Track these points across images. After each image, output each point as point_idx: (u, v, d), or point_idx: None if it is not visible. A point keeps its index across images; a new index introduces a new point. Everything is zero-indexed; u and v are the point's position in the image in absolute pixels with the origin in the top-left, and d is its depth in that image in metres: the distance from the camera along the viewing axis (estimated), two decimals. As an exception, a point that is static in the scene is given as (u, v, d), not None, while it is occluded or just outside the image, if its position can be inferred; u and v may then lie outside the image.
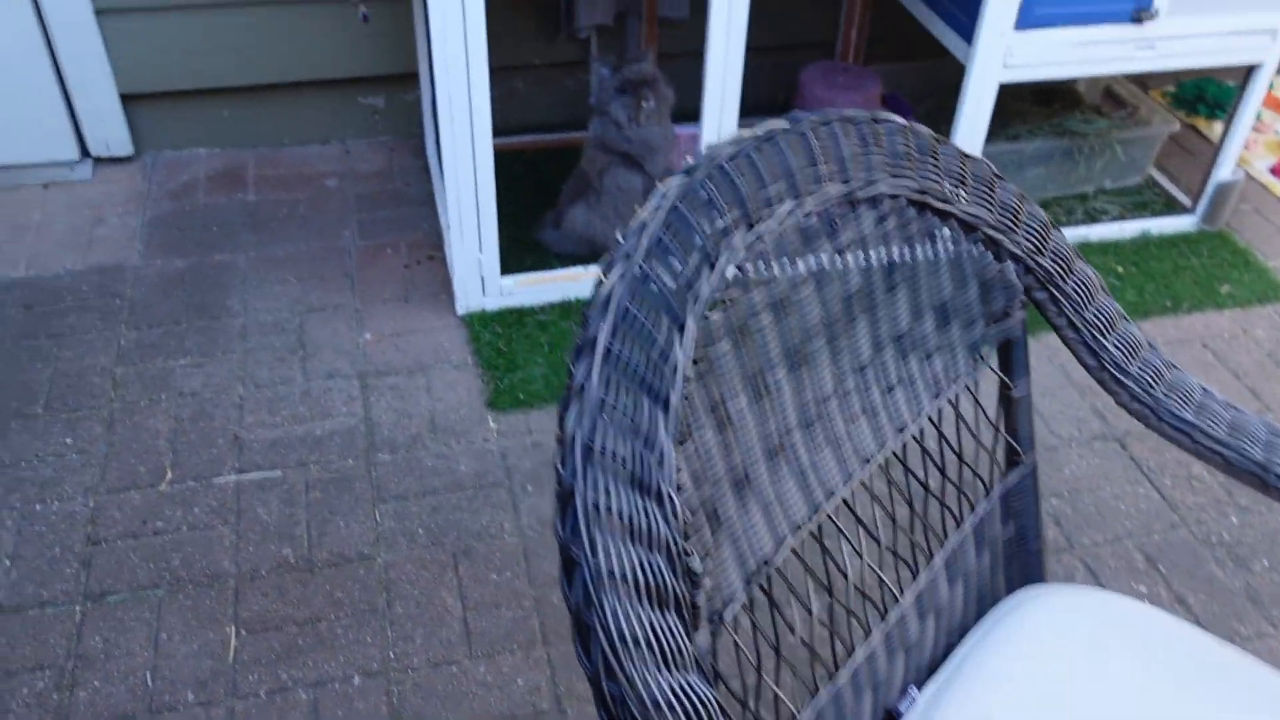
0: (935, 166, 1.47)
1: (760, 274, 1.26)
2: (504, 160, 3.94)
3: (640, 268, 1.08)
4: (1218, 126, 4.47)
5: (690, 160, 1.21)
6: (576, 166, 3.65)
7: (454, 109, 3.00)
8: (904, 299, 1.50)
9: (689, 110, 3.84)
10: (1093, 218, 3.99)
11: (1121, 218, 3.99)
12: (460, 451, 3.01)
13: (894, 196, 1.44)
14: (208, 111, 4.07)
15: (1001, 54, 3.31)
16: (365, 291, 3.56)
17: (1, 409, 3.04)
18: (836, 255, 1.40)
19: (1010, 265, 1.60)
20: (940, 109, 4.23)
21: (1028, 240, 1.61)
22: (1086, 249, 3.85)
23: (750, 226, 1.21)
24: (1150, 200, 4.12)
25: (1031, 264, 1.62)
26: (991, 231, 1.60)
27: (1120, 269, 3.81)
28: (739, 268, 1.21)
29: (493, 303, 3.47)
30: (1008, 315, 1.64)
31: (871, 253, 1.49)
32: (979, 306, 1.61)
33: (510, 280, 3.45)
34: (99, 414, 3.04)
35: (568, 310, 3.48)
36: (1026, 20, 3.26)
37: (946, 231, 1.56)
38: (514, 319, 3.44)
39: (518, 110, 4.29)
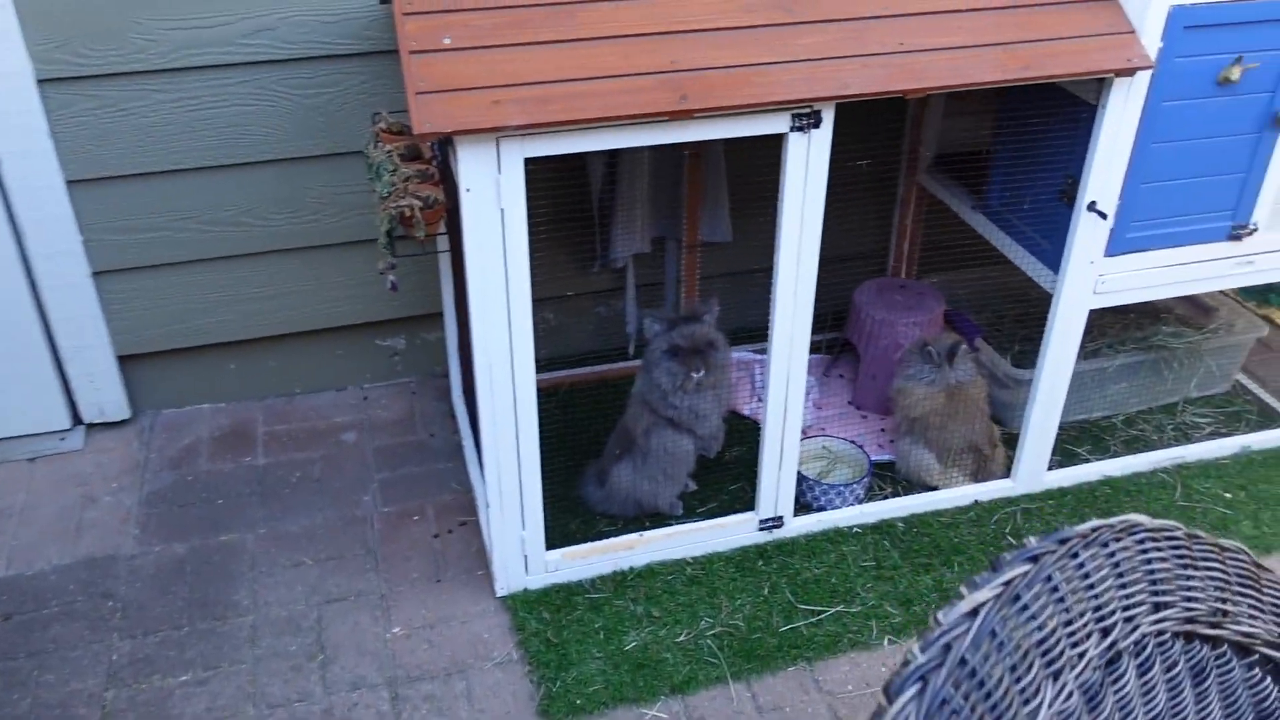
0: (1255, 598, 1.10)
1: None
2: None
3: None
4: (1298, 321, 4.16)
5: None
6: (620, 420, 3.29)
7: (494, 386, 2.66)
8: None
9: (735, 329, 3.54)
10: (1185, 435, 3.62)
11: (1217, 434, 3.62)
12: (513, 785, 2.54)
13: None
14: (212, 365, 3.74)
15: (1092, 281, 3.00)
16: (391, 571, 3.14)
17: (-30, 756, 2.58)
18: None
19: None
20: (1000, 319, 3.92)
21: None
22: (1186, 472, 3.47)
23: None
24: (1243, 410, 3.76)
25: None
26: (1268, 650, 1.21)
27: (1228, 495, 3.41)
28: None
29: (537, 581, 3.05)
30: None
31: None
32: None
33: (556, 554, 3.04)
34: (85, 757, 2.58)
35: (621, 584, 3.06)
36: (1118, 246, 2.96)
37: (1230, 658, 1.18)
38: (562, 599, 3.02)
39: (548, 343, 3.97)
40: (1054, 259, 3.03)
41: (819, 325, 2.93)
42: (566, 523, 3.26)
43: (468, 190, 2.39)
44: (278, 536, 3.26)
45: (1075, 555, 1.06)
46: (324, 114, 3.34)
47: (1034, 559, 1.04)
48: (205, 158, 3.32)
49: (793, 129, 2.53)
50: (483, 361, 2.63)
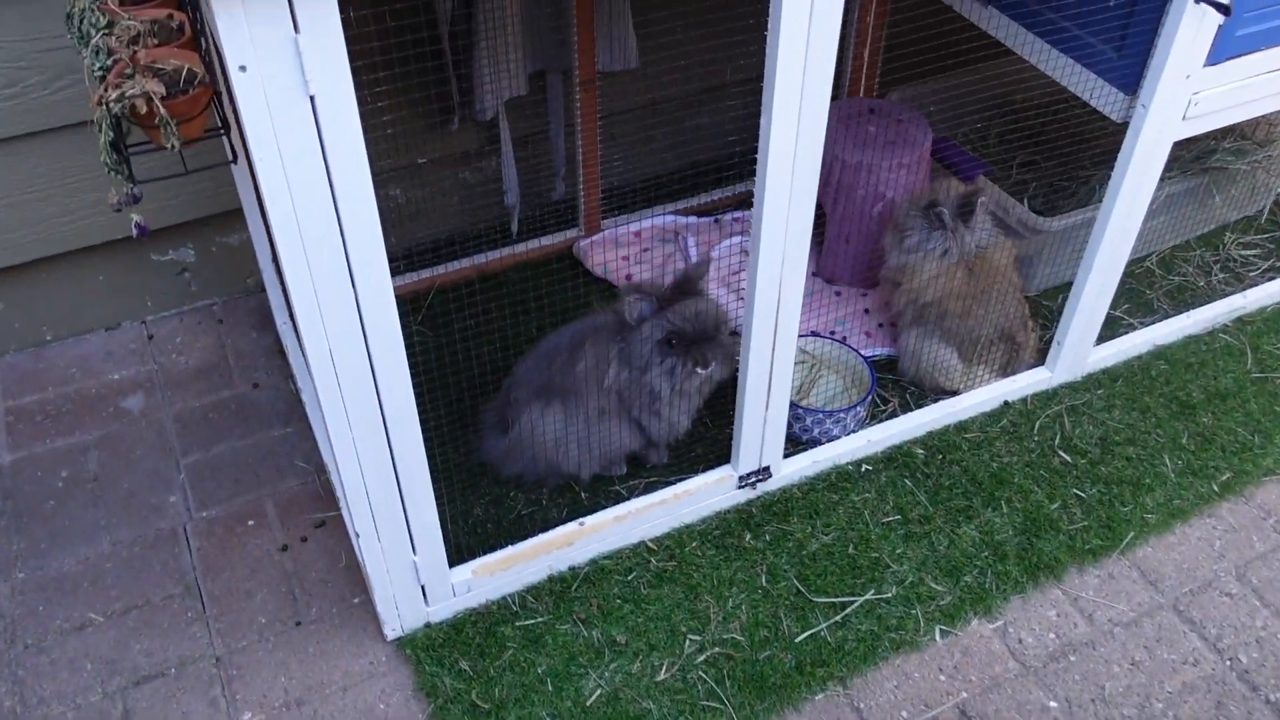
0: None
1: None
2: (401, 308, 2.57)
3: None
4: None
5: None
6: (537, 346, 2.30)
7: (335, 362, 1.63)
8: None
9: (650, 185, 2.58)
10: (1236, 275, 2.87)
11: (1275, 270, 2.89)
12: None
13: None
14: (-94, 322, 2.54)
15: (1184, 103, 2.11)
16: (226, 617, 2.16)
17: None
18: None
19: None
20: (1007, 146, 3.02)
21: None
22: (1250, 328, 2.73)
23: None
24: (1286, 231, 3.03)
25: None
26: None
27: (1294, 348, 2.71)
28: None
29: (443, 611, 2.13)
30: None
31: None
32: None
33: (464, 572, 2.12)
34: None
35: (563, 596, 2.17)
36: (1224, 50, 2.06)
37: None
38: (483, 633, 2.12)
39: (399, 232, 2.89)
40: (1128, 76, 2.11)
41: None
42: (468, 504, 2.32)
43: (242, 70, 1.28)
44: (43, 583, 2.22)
45: None
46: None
47: None
48: None
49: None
50: (311, 332, 1.59)
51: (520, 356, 2.34)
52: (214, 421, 2.55)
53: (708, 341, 2.14)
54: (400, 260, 2.82)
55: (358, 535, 1.92)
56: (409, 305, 2.70)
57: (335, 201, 1.47)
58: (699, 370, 2.15)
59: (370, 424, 1.74)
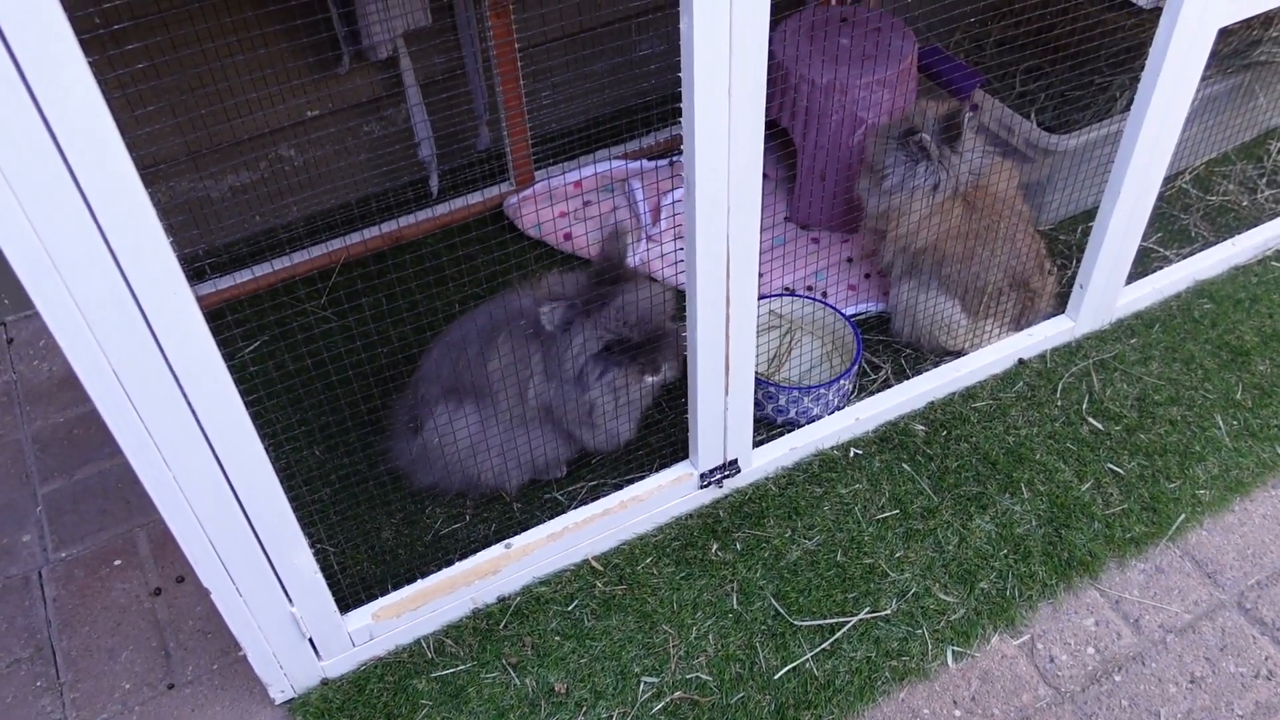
0: None
1: None
2: (297, 291, 2.16)
3: None
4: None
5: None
6: (441, 334, 1.88)
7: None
8: None
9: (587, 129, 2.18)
10: None
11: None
12: None
13: None
14: None
15: (1232, -25, 1.67)
16: (83, 684, 1.78)
17: None
18: None
19: None
20: (980, 46, 2.56)
21: None
22: (1291, 246, 2.31)
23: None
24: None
25: None
26: None
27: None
28: None
29: (341, 665, 1.74)
30: None
31: None
32: None
33: (363, 616, 1.72)
34: None
35: (488, 634, 1.77)
36: (1285, -100, 1.61)
37: None
38: (392, 689, 1.72)
39: (295, 192, 2.45)
40: (1161, -56, 1.66)
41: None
42: (375, 523, 1.92)
43: None
44: None
45: None
46: None
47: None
48: None
49: None
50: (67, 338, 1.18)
51: (428, 344, 1.92)
52: (79, 439, 2.15)
53: (652, 341, 1.71)
54: (300, 230, 2.40)
55: (209, 591, 1.52)
56: (314, 284, 2.28)
57: (66, 160, 1.05)
58: (648, 379, 1.74)
59: (194, 457, 1.33)
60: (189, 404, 1.28)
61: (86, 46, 0.99)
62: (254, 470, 1.39)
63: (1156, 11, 1.74)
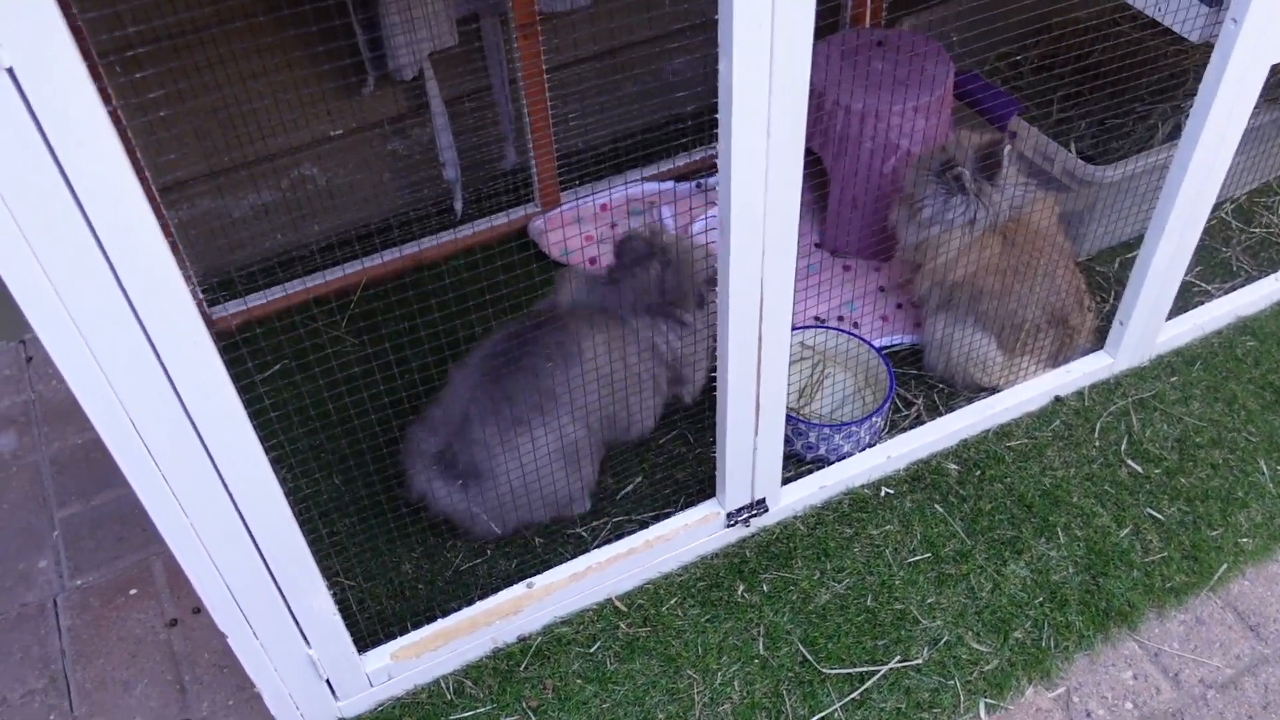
0: None
1: None
2: (311, 310, 2.12)
3: None
4: None
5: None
6: (472, 356, 1.84)
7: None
8: None
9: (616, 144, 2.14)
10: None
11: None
12: None
13: None
14: None
15: (1289, 11, 1.61)
16: (99, 719, 1.75)
17: None
18: None
19: None
20: (1018, 72, 2.51)
21: None
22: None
23: None
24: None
25: None
26: None
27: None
28: None
29: (360, 704, 1.71)
30: None
31: None
32: None
33: (382, 656, 1.68)
34: None
35: (508, 675, 1.73)
36: (1346, -65, 1.55)
37: None
38: (410, 728, 1.69)
39: (319, 213, 2.42)
40: (1216, -21, 1.61)
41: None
42: (395, 558, 1.88)
43: None
44: (-121, 683, 1.81)
45: None
46: None
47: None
48: None
49: None
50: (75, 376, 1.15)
51: (456, 370, 1.87)
52: (97, 463, 2.13)
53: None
54: (317, 252, 2.36)
55: (225, 635, 1.49)
56: (330, 306, 2.25)
57: (72, 189, 1.01)
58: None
59: (208, 498, 1.30)
60: (198, 433, 1.24)
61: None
62: (272, 518, 1.36)
63: (1205, 45, 1.69)
